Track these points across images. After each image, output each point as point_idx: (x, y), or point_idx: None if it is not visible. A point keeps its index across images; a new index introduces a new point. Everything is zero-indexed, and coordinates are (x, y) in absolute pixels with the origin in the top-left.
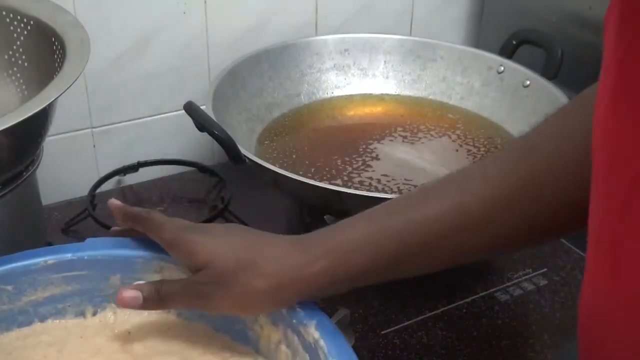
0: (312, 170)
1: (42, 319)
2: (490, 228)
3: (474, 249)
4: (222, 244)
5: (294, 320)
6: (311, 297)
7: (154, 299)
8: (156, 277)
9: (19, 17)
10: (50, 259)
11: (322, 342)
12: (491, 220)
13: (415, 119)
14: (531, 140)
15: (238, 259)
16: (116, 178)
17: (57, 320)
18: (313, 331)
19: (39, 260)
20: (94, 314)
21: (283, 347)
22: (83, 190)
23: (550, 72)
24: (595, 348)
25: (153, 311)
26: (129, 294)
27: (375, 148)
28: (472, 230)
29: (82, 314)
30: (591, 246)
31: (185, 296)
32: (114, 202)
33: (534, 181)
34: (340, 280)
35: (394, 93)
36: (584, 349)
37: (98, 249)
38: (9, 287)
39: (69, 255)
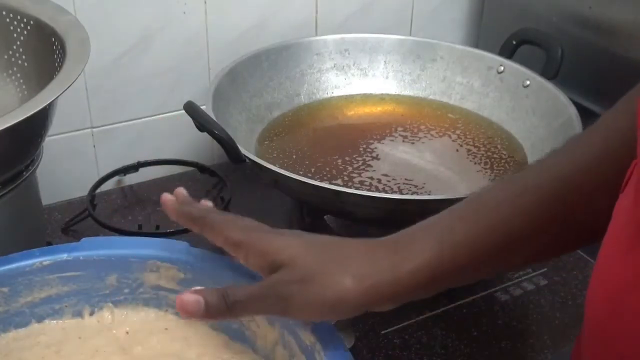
0: (312, 170)
1: (39, 320)
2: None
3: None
4: (300, 243)
5: (291, 321)
6: (403, 300)
7: (220, 306)
8: (152, 276)
9: (19, 17)
10: (45, 259)
11: (318, 345)
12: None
13: (415, 119)
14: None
15: (323, 258)
16: (116, 178)
17: (55, 321)
18: (309, 333)
19: (35, 261)
20: (92, 314)
21: (280, 348)
22: (83, 190)
23: (550, 72)
24: (605, 330)
25: (152, 311)
26: (191, 298)
27: (375, 148)
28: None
29: (79, 314)
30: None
31: (264, 299)
32: (167, 199)
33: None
34: (435, 280)
35: (394, 93)
36: (591, 332)
37: (93, 249)
38: (5, 289)
39: (64, 256)
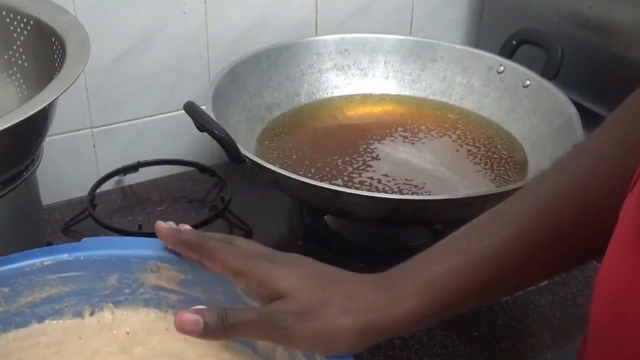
0: (312, 170)
1: (40, 320)
2: (562, 246)
3: (550, 268)
4: (301, 275)
5: None
6: (394, 335)
7: (217, 327)
8: (153, 277)
9: (19, 17)
10: (46, 259)
11: None
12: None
13: (415, 119)
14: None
15: (323, 292)
16: (116, 178)
17: (55, 321)
18: None
19: (35, 261)
20: (92, 314)
21: (280, 349)
22: (83, 190)
23: (550, 72)
24: (609, 333)
25: (152, 311)
26: (190, 317)
27: (375, 148)
28: (546, 251)
29: (80, 314)
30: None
31: (261, 326)
32: (162, 227)
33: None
34: (430, 317)
35: (394, 93)
36: (595, 336)
37: (94, 249)
38: (5, 289)
39: (65, 256)
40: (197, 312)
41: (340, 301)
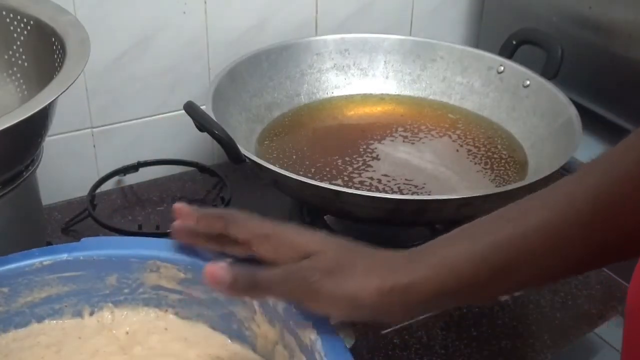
0: (312, 170)
1: (39, 320)
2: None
3: (562, 268)
4: (329, 238)
5: (291, 321)
6: (413, 312)
7: (245, 281)
8: (152, 276)
9: (19, 17)
10: (45, 259)
11: (318, 344)
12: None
13: (415, 119)
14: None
15: (350, 253)
16: (116, 178)
17: (55, 321)
18: (310, 332)
19: (35, 261)
20: (91, 314)
21: (280, 348)
22: (83, 190)
23: (550, 72)
24: None
25: (152, 311)
26: (220, 268)
27: (375, 148)
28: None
29: (79, 314)
30: None
31: (289, 282)
32: (181, 206)
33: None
34: (445, 293)
35: (394, 93)
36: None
37: (93, 249)
38: (5, 289)
39: (64, 256)
40: (226, 268)
41: (367, 263)
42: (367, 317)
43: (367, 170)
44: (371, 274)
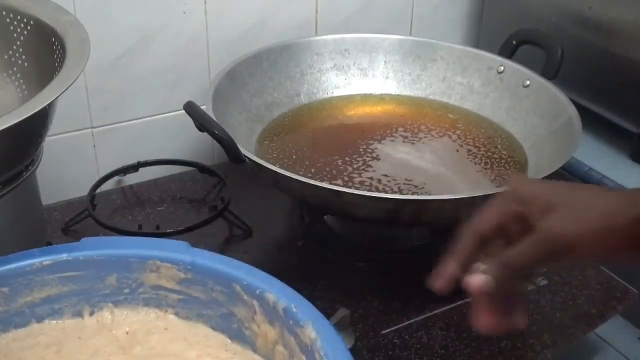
0: (312, 170)
1: (39, 320)
2: None
3: None
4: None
5: (291, 321)
6: (611, 257)
7: (503, 274)
8: (152, 276)
9: (19, 17)
10: (45, 259)
11: (318, 344)
12: None
13: (415, 119)
14: None
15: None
16: (116, 178)
17: (55, 321)
18: (310, 332)
19: (35, 261)
20: (91, 314)
21: (280, 348)
22: (83, 190)
23: (550, 72)
24: None
25: (152, 311)
26: (481, 279)
27: (375, 148)
28: None
29: (79, 314)
30: None
31: (537, 243)
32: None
33: None
34: None
35: (394, 93)
36: None
37: (93, 249)
38: (5, 289)
39: (64, 256)
40: (482, 273)
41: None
42: (577, 254)
43: (367, 170)
44: (602, 198)
